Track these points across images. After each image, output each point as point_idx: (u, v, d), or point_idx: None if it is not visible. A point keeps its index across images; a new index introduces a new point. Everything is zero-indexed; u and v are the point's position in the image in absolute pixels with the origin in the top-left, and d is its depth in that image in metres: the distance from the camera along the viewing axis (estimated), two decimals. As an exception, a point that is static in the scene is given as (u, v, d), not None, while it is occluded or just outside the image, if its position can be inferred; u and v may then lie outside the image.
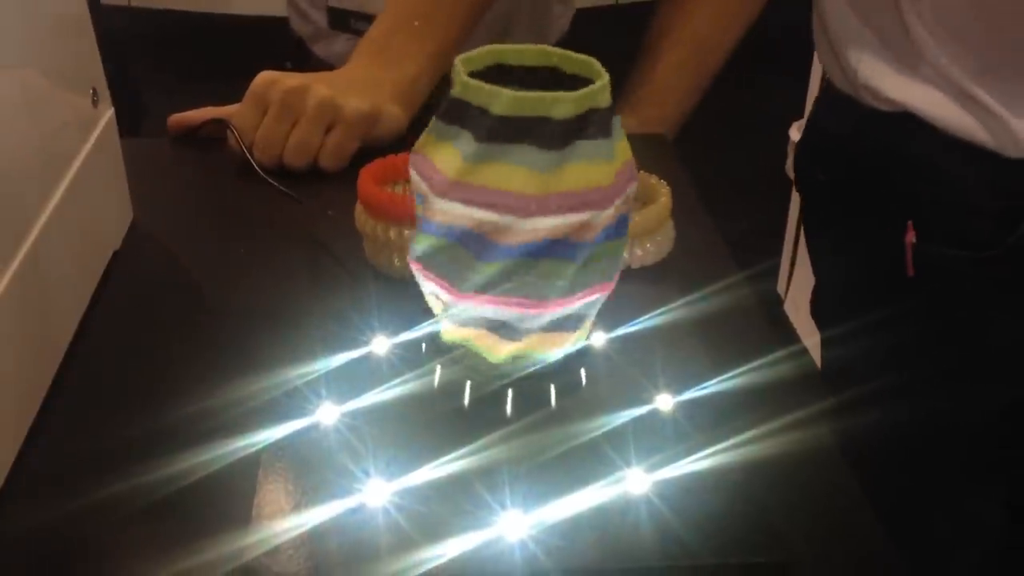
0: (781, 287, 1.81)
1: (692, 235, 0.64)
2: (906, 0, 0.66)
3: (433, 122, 0.39)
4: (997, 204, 0.67)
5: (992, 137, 0.65)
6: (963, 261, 0.69)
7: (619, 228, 0.39)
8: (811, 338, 0.86)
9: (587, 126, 0.37)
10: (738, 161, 2.26)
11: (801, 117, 1.89)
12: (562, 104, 0.36)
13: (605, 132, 0.38)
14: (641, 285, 0.56)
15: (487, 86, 0.37)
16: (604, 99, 0.38)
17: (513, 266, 0.37)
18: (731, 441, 0.39)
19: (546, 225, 0.37)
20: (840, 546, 0.39)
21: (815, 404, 0.44)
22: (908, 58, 0.67)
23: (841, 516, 0.41)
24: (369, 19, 0.89)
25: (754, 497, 0.37)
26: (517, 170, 0.36)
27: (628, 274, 0.59)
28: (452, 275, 0.38)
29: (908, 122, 0.68)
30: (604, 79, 0.37)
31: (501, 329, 0.39)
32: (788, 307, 1.77)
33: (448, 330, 0.41)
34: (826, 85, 0.77)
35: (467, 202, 0.37)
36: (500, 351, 0.40)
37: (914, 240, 0.69)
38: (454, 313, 0.39)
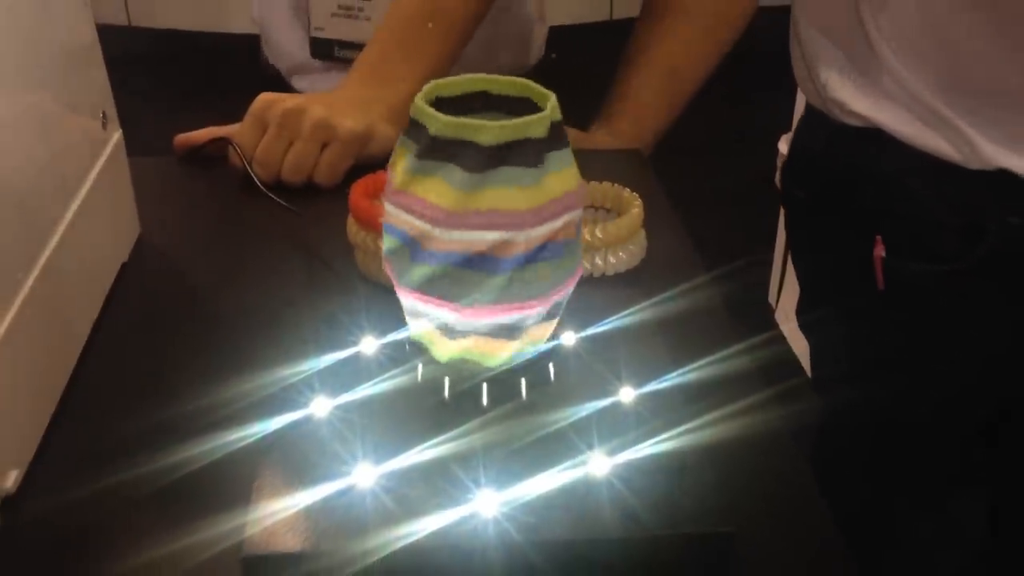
0: (772, 297, 1.84)
1: (665, 245, 0.68)
2: (869, 21, 0.69)
3: (411, 161, 0.41)
4: (962, 219, 0.69)
5: (955, 150, 0.68)
6: (931, 275, 0.71)
7: (551, 251, 0.42)
8: (800, 344, 0.89)
9: (554, 139, 0.41)
10: (730, 173, 2.30)
11: (789, 130, 1.93)
12: (537, 124, 0.41)
13: (532, 162, 0.41)
14: (612, 290, 0.60)
15: (472, 121, 0.40)
16: (536, 131, 0.41)
17: (441, 270, 0.41)
18: (683, 427, 0.43)
19: (541, 232, 0.41)
20: (781, 519, 0.43)
21: (764, 392, 0.48)
22: (873, 75, 0.70)
23: (785, 494, 0.45)
24: (353, 46, 0.91)
25: (703, 478, 0.41)
26: (509, 191, 0.40)
27: (601, 280, 0.63)
28: (397, 271, 0.42)
29: (876, 137, 0.71)
30: (552, 96, 0.42)
31: (503, 331, 0.43)
32: (779, 316, 1.80)
33: (446, 348, 0.44)
34: (805, 107, 0.80)
35: (472, 227, 0.40)
36: (502, 351, 0.44)
37: (883, 254, 0.72)
38: (458, 330, 0.43)
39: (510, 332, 0.43)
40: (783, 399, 0.48)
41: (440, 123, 0.40)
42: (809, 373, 0.89)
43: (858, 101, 0.71)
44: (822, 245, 0.81)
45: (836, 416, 0.85)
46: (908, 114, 0.69)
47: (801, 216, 0.83)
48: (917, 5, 0.67)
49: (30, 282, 0.49)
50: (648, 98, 0.90)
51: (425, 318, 0.43)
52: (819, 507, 0.44)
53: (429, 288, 0.41)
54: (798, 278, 0.88)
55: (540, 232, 0.41)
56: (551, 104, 0.41)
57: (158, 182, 0.74)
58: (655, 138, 0.91)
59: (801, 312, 0.87)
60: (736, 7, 0.92)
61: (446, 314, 0.42)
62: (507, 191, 0.40)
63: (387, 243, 0.43)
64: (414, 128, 0.42)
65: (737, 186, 2.25)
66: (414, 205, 0.41)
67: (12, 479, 0.45)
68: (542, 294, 0.42)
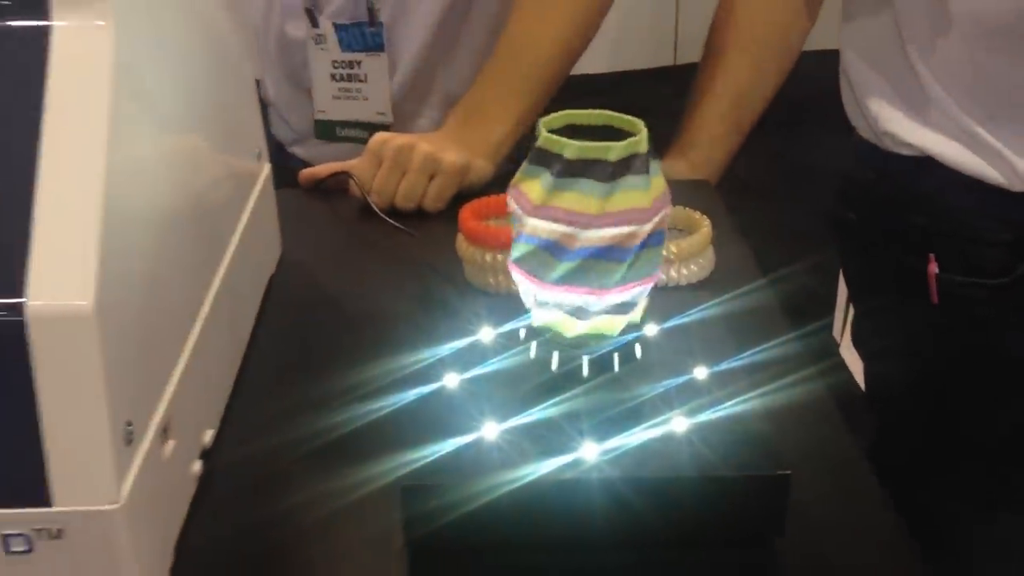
0: (836, 332, 1.90)
1: (731, 260, 0.77)
2: (916, 59, 0.77)
3: (548, 181, 0.52)
4: (1008, 236, 0.76)
5: (1000, 175, 0.75)
6: (981, 288, 0.78)
7: (656, 238, 0.53)
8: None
9: (631, 165, 0.51)
10: (797, 211, 2.36)
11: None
12: (613, 150, 0.51)
13: (644, 170, 0.52)
14: (685, 296, 0.71)
15: (602, 144, 0.51)
16: (642, 147, 0.51)
17: (581, 264, 0.52)
18: (745, 397, 0.53)
19: (602, 235, 0.51)
20: (827, 469, 0.53)
21: (813, 368, 0.58)
22: (921, 107, 0.78)
23: (830, 450, 0.55)
24: (352, 125, 1.03)
25: (762, 435, 0.51)
26: (633, 193, 0.51)
27: (676, 289, 0.73)
28: (538, 272, 0.53)
29: (926, 164, 0.78)
30: (643, 132, 0.52)
31: (576, 312, 0.53)
32: (843, 351, 1.86)
33: (537, 316, 0.56)
34: (856, 137, 0.88)
35: (609, 225, 0.50)
36: (575, 329, 0.54)
37: (936, 271, 0.79)
38: (541, 301, 0.54)
39: (627, 307, 0.53)
40: (826, 375, 0.57)
41: (576, 148, 0.51)
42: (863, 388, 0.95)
43: (909, 132, 0.79)
44: (875, 263, 0.88)
45: (890, 429, 0.91)
46: (955, 143, 0.77)
47: (855, 239, 0.90)
48: (960, 42, 0.74)
49: (215, 287, 0.60)
50: (717, 126, 0.98)
51: (558, 307, 0.53)
52: (859, 459, 0.53)
53: (572, 279, 0.52)
54: (851, 297, 0.96)
55: (653, 222, 0.51)
56: (635, 138, 0.52)
57: (293, 209, 0.86)
58: (727, 160, 0.99)
59: (855, 330, 0.95)
60: (794, 30, 0.97)
61: (584, 299, 0.52)
62: (632, 193, 0.51)
63: (521, 251, 0.53)
64: (543, 156, 0.52)
65: (805, 224, 2.31)
66: (558, 215, 0.51)
67: (209, 436, 0.57)
68: (653, 272, 0.53)
